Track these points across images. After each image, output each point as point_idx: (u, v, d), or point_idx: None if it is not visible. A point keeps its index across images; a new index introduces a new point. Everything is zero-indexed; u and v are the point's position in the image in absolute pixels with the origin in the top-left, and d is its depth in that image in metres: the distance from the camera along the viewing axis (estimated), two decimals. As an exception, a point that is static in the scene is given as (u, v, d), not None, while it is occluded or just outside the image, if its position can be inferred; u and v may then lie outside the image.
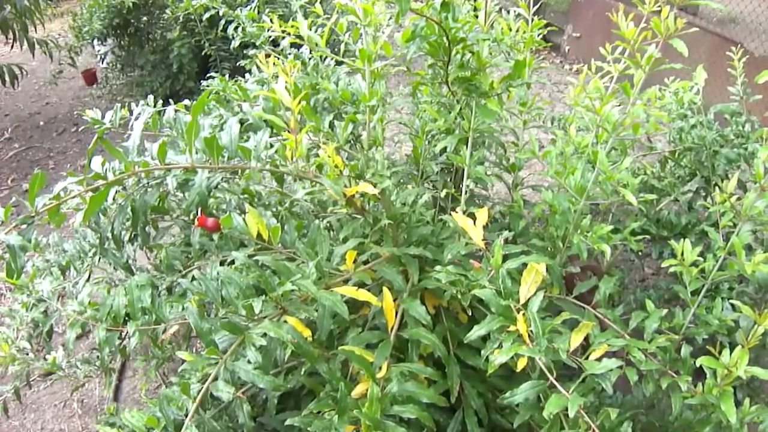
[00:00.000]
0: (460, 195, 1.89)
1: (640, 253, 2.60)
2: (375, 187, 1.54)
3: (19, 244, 1.30)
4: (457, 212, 1.72)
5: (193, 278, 1.76)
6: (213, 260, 1.73)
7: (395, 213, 1.68)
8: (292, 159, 1.41)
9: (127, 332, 1.66)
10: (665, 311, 1.74)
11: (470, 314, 1.77)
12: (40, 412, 3.02)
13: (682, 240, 1.76)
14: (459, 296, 1.54)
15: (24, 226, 1.32)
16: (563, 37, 7.25)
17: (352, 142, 2.10)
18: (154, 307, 1.68)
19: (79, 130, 6.20)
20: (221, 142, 1.39)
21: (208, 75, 2.68)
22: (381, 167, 1.62)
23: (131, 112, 2.18)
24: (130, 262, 1.94)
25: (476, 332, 1.46)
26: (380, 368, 1.48)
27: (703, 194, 2.53)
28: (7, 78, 5.76)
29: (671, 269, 1.78)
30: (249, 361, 1.26)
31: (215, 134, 1.33)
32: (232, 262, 1.82)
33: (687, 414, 1.70)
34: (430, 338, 1.55)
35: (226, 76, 2.44)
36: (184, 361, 1.41)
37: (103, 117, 2.02)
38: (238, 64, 2.87)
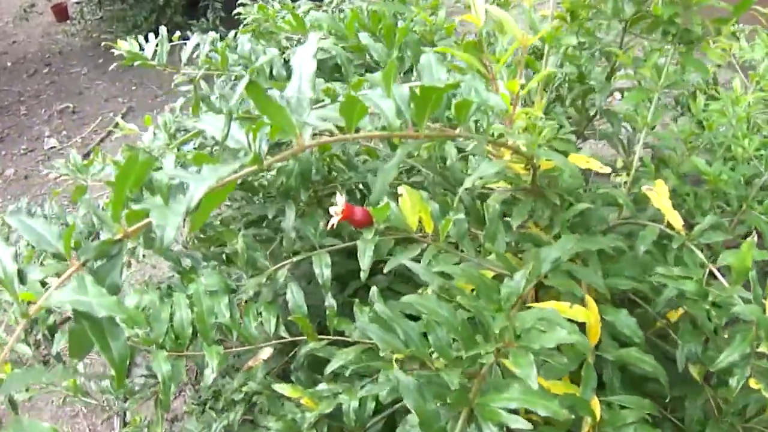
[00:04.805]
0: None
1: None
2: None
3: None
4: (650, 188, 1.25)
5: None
6: (319, 253, 1.20)
7: (570, 189, 1.20)
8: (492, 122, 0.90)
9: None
10: None
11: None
12: (35, 410, 2.51)
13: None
14: (712, 312, 1.06)
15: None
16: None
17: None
18: (234, 323, 1.18)
19: (53, 70, 5.53)
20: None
21: (238, 2, 2.13)
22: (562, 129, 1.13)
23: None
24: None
25: (728, 357, 1.00)
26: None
27: None
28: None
29: None
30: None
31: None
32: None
33: None
34: (652, 363, 1.06)
35: (219, 13, 1.97)
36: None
37: (141, 49, 1.44)
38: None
